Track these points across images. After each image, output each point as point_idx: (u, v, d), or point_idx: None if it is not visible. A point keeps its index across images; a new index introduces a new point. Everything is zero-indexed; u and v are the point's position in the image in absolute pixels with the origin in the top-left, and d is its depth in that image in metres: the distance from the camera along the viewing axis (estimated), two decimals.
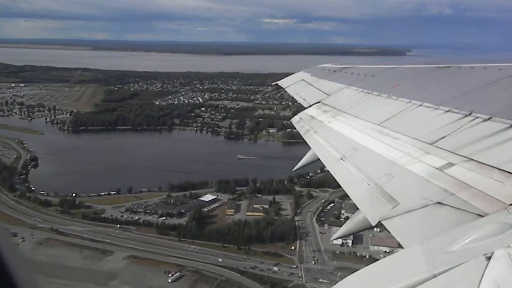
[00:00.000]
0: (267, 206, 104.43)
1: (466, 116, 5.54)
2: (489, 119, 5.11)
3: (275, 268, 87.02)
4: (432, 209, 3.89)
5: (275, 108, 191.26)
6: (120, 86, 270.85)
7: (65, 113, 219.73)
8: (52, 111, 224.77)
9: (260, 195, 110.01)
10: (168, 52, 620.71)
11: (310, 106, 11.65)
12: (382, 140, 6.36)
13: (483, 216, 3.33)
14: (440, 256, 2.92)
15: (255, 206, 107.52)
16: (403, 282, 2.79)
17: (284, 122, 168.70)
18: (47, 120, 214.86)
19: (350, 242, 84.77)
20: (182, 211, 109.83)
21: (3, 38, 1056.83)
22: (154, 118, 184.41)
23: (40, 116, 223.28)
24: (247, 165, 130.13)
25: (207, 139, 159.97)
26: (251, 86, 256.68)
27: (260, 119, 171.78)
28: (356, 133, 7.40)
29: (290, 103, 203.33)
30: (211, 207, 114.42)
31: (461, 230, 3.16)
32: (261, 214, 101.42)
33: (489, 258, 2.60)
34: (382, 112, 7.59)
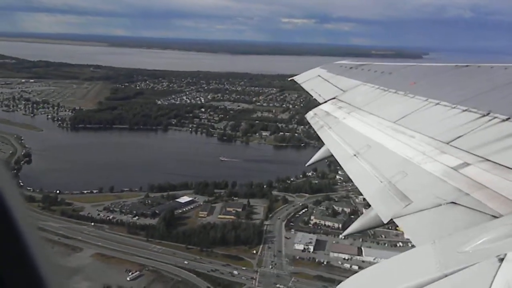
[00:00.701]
0: (240, 210, 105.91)
1: (484, 116, 5.60)
2: (507, 119, 5.17)
3: (235, 272, 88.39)
4: (445, 208, 3.94)
5: (273, 111, 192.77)
6: (127, 84, 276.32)
7: (67, 110, 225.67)
8: (56, 108, 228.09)
9: (236, 198, 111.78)
10: (182, 50, 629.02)
11: (325, 102, 11.87)
12: (397, 138, 6.47)
13: (497, 217, 3.36)
14: (452, 256, 2.96)
15: (228, 209, 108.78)
16: (413, 281, 2.85)
17: (280, 125, 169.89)
18: (49, 116, 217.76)
19: (311, 247, 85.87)
20: (157, 211, 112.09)
21: (23, 33, 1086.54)
22: (152, 118, 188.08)
23: (43, 112, 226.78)
24: (227, 167, 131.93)
25: (198, 140, 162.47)
26: (257, 88, 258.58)
27: (256, 122, 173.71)
28: (370, 130, 7.50)
29: (290, 106, 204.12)
30: (186, 208, 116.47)
31: (474, 231, 3.21)
32: (233, 217, 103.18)
33: (501, 260, 2.62)
34: (398, 110, 7.72)
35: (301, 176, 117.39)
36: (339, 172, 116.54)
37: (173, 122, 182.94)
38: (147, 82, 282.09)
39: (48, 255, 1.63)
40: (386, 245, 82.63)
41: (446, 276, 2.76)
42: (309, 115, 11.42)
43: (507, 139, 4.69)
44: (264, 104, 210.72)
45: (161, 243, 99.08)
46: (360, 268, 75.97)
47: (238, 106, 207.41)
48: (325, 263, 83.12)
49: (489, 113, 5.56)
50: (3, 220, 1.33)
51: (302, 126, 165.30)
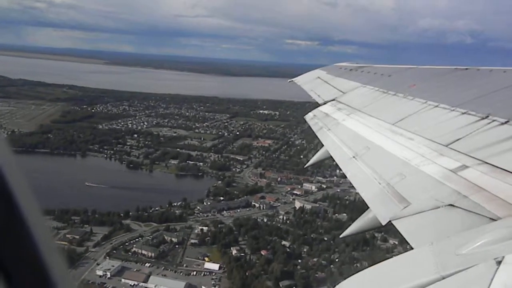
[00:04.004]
0: (77, 236, 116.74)
1: (483, 119, 6.03)
2: (506, 122, 5.55)
3: None
4: (443, 211, 4.25)
5: (202, 139, 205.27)
6: (85, 106, 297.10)
7: (6, 131, 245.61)
8: None
9: (87, 225, 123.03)
10: (175, 70, 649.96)
11: (324, 103, 12.72)
12: (396, 140, 6.98)
13: (495, 220, 3.64)
14: (450, 258, 3.19)
15: (67, 235, 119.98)
16: (411, 283, 3.10)
17: (195, 153, 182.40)
18: None
19: (109, 274, 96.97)
20: None
21: (27, 46, 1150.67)
22: (76, 143, 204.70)
23: None
24: (90, 193, 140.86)
25: (103, 166, 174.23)
26: (211, 113, 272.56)
27: (177, 149, 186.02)
28: (370, 132, 8.14)
29: (225, 134, 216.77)
30: None
31: (472, 233, 3.45)
32: (66, 243, 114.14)
33: (499, 263, 2.83)
34: (397, 112, 8.35)
35: (167, 205, 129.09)
36: (204, 203, 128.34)
37: (95, 148, 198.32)
38: (108, 104, 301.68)
39: (50, 237, 1.69)
40: (182, 273, 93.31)
41: (444, 278, 3.00)
42: (309, 117, 12.30)
43: (506, 142, 5.07)
44: (202, 131, 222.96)
45: None
46: None
47: (174, 132, 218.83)
48: (110, 287, 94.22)
49: (488, 116, 6.01)
50: (3, 200, 1.41)
51: (218, 155, 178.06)
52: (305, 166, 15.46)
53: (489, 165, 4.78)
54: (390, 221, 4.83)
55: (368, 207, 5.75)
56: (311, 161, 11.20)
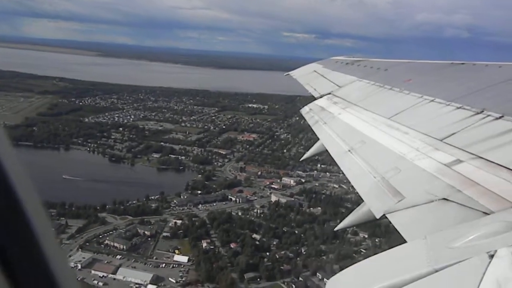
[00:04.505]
0: (52, 229, 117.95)
1: (478, 113, 6.14)
2: (500, 117, 5.66)
3: None
4: (437, 204, 4.34)
5: (187, 132, 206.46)
6: (74, 99, 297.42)
7: None
8: None
9: (63, 218, 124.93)
10: (169, 63, 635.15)
11: (321, 97, 12.81)
12: (392, 134, 7.09)
13: (488, 214, 3.72)
14: (442, 251, 3.25)
15: None
16: (404, 276, 3.14)
17: (179, 147, 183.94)
18: None
19: (80, 265, 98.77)
20: None
21: (22, 37, 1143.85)
22: (61, 136, 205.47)
23: None
24: (66, 187, 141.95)
25: (83, 159, 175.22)
26: (200, 107, 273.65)
27: (161, 143, 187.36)
28: (365, 126, 8.25)
29: (211, 128, 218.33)
30: None
31: (465, 227, 3.52)
32: None
33: (492, 256, 2.89)
34: (393, 106, 8.47)
35: (144, 199, 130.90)
36: (181, 196, 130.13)
37: (79, 142, 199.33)
38: (97, 97, 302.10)
39: (50, 229, 1.71)
40: (151, 265, 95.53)
41: (436, 271, 3.05)
42: (304, 110, 12.33)
43: (500, 137, 5.17)
44: (188, 125, 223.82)
45: None
46: (105, 284, 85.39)
47: (160, 126, 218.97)
48: (79, 278, 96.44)
49: (483, 111, 6.11)
50: (3, 192, 1.41)
51: (201, 149, 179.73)
52: (300, 160, 14.95)
53: (483, 159, 4.86)
54: (384, 214, 4.90)
55: (363, 201, 5.84)
56: (307, 155, 11.31)
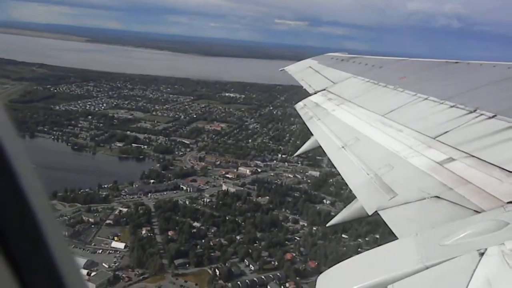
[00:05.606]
0: None
1: (471, 112, 6.27)
2: (493, 117, 5.78)
3: None
4: (429, 202, 4.43)
5: (155, 121, 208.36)
6: (49, 86, 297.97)
7: None
8: None
9: None
10: (156, 49, 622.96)
11: (315, 93, 13.01)
12: (385, 131, 7.18)
13: (479, 213, 3.79)
14: (433, 248, 3.34)
15: None
16: (394, 272, 3.24)
17: (143, 136, 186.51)
18: None
19: None
20: None
21: (11, 22, 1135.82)
22: (28, 124, 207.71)
23: None
24: None
25: (45, 147, 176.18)
26: (175, 95, 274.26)
27: (127, 132, 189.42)
28: (359, 122, 8.37)
29: (182, 117, 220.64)
30: None
31: (456, 225, 3.62)
32: None
33: (482, 254, 2.98)
34: (387, 104, 8.59)
35: (96, 187, 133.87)
36: (133, 185, 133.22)
37: (45, 129, 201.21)
38: (73, 84, 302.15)
39: (54, 217, 1.69)
40: (88, 251, 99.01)
41: (427, 268, 3.15)
42: (299, 106, 12.53)
43: (493, 136, 5.30)
44: (159, 114, 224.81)
45: None
46: None
47: (131, 115, 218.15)
48: None
49: (476, 110, 6.24)
50: (3, 174, 1.37)
51: (166, 138, 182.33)
52: (293, 156, 14.14)
53: (475, 158, 4.94)
54: (376, 211, 4.97)
55: (356, 197, 5.91)
56: (300, 150, 11.37)
